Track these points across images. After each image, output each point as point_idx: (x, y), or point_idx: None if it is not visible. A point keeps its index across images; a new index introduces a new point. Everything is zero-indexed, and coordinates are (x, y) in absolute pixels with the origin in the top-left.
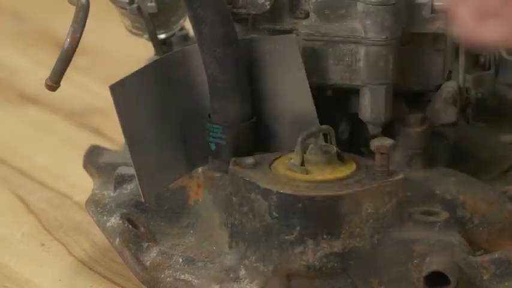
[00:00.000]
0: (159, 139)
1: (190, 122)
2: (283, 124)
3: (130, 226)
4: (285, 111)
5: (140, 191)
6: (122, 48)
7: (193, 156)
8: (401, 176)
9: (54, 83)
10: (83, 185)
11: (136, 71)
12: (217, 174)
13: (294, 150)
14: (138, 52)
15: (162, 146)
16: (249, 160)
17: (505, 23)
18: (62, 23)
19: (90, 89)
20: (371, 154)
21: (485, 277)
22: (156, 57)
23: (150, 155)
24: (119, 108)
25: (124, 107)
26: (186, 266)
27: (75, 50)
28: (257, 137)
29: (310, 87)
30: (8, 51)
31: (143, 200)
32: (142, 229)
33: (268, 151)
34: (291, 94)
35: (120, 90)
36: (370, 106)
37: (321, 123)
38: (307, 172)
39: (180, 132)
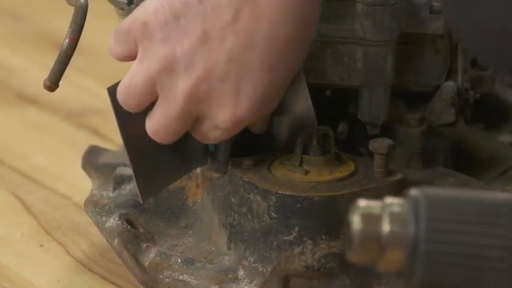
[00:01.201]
0: (156, 143)
1: None
2: (282, 125)
3: (129, 227)
4: (283, 112)
5: (138, 193)
6: None
7: (192, 157)
8: (400, 176)
9: (52, 84)
10: (82, 185)
11: None
12: (216, 175)
13: (292, 151)
14: None
15: (160, 148)
16: (248, 161)
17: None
18: (61, 24)
19: (89, 89)
20: (370, 154)
21: None
22: None
23: (148, 156)
24: (116, 110)
25: (121, 108)
26: (185, 267)
27: (74, 50)
28: (255, 137)
29: (309, 87)
30: (6, 51)
31: (141, 202)
32: (141, 230)
33: (267, 152)
34: (289, 95)
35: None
36: (369, 106)
37: (320, 123)
38: (305, 173)
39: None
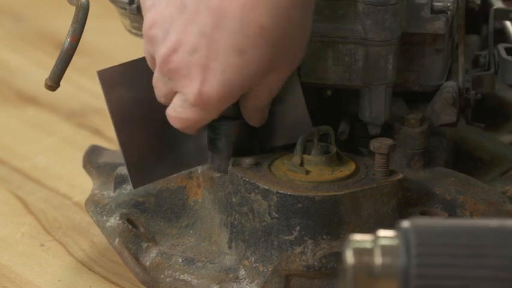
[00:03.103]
0: (148, 131)
1: None
2: (277, 125)
3: (129, 226)
4: (277, 113)
5: (129, 178)
6: (122, 48)
7: (186, 154)
8: (401, 176)
9: (54, 83)
10: (83, 185)
11: (127, 62)
12: (217, 174)
13: (293, 151)
14: (138, 52)
15: (153, 139)
16: (249, 160)
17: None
18: (61, 23)
19: (90, 89)
20: (371, 154)
21: None
22: None
23: (139, 142)
24: (106, 93)
25: (112, 92)
26: (186, 266)
27: (75, 50)
28: (255, 137)
29: (310, 87)
30: (7, 51)
31: (133, 188)
32: (141, 229)
33: (263, 150)
34: (282, 95)
35: (109, 76)
36: (370, 106)
37: (321, 123)
38: (306, 172)
39: (172, 129)
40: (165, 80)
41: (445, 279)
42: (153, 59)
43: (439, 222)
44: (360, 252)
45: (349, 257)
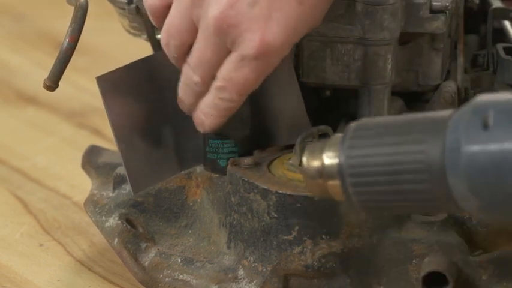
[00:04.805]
0: (148, 135)
1: (181, 121)
2: (274, 123)
3: (128, 226)
4: (274, 111)
5: (129, 184)
6: (122, 48)
7: (186, 155)
8: None
9: (52, 83)
10: (82, 185)
11: (126, 66)
12: (216, 175)
13: (292, 150)
14: (138, 52)
15: (152, 143)
16: (248, 160)
17: None
18: (61, 24)
19: (89, 89)
20: None
21: (483, 277)
22: None
23: (138, 147)
24: (106, 99)
25: (111, 99)
26: (185, 266)
27: (73, 50)
28: (256, 138)
29: (309, 87)
30: (7, 51)
31: (133, 193)
32: (140, 229)
33: (264, 150)
34: (279, 93)
35: (108, 82)
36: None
37: (320, 123)
38: None
39: (171, 131)
40: (219, 39)
41: (372, 166)
42: (192, 25)
43: (378, 118)
44: (311, 155)
45: (304, 162)
